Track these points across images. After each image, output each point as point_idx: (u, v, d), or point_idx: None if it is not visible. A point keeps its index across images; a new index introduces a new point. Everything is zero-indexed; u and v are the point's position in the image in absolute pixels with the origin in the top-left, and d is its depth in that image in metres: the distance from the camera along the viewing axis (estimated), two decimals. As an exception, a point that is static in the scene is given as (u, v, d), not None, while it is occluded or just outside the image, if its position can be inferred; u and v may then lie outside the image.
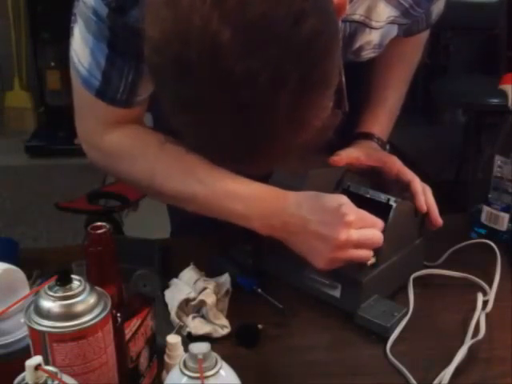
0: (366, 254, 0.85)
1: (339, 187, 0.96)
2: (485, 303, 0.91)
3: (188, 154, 0.85)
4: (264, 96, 0.54)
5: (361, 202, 0.94)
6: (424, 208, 0.94)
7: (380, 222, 0.86)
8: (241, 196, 0.87)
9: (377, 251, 0.89)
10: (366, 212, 0.86)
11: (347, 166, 0.97)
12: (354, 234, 0.83)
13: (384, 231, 0.88)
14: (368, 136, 1.06)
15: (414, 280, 0.96)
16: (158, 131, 0.94)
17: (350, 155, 0.99)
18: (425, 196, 0.95)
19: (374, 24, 0.89)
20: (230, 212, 0.87)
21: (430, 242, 0.99)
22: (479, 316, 0.87)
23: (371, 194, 0.94)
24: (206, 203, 0.88)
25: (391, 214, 0.90)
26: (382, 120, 1.09)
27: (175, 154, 0.87)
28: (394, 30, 0.96)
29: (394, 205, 0.91)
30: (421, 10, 0.92)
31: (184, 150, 0.84)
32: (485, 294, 0.93)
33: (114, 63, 0.83)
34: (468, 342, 0.83)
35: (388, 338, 0.84)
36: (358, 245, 0.84)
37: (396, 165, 0.99)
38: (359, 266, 0.88)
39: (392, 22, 0.92)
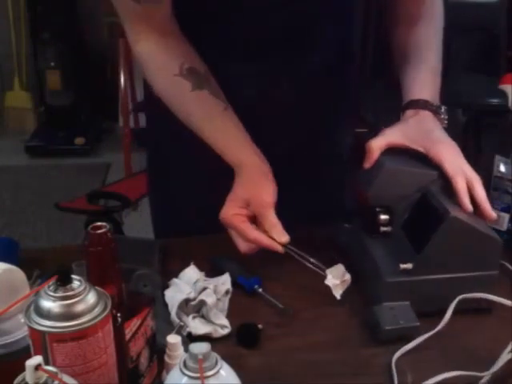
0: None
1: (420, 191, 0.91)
2: (485, 303, 0.91)
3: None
4: None
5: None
6: (467, 207, 0.88)
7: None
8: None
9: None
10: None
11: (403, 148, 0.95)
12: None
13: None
14: (419, 103, 0.98)
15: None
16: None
17: (390, 142, 0.95)
18: (473, 189, 0.89)
19: None
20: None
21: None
22: (479, 316, 0.87)
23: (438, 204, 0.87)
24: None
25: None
26: (428, 83, 1.02)
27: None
28: None
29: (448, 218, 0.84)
30: None
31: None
32: (485, 293, 0.93)
33: None
34: (468, 342, 0.83)
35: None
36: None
37: (438, 156, 0.92)
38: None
39: None
